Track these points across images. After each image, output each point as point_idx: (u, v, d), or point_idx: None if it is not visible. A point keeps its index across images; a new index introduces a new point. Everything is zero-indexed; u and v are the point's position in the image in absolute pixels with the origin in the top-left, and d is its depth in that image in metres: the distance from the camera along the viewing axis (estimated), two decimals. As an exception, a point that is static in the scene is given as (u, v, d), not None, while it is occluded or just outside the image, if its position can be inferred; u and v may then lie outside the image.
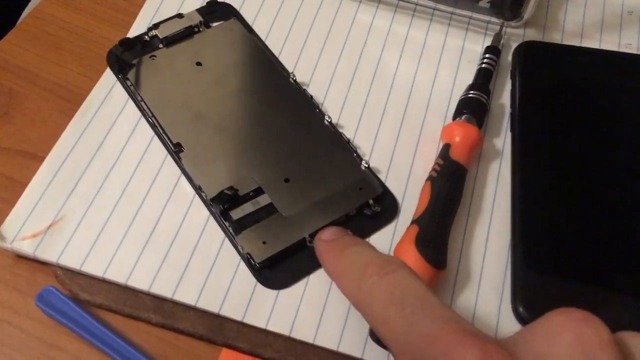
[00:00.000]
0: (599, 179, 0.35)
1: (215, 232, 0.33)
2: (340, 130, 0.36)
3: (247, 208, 0.33)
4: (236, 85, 0.37)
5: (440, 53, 0.40)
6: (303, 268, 0.32)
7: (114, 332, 0.30)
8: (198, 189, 0.33)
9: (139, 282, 0.31)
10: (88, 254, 0.31)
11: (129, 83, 0.37)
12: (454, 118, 0.36)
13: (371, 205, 0.33)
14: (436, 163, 0.34)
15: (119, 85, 0.38)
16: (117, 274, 0.31)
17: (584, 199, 0.34)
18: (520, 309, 0.30)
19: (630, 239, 0.33)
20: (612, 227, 0.33)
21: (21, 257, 0.32)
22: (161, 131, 0.35)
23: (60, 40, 0.40)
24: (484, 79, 0.37)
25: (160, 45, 0.39)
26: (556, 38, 0.40)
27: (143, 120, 0.36)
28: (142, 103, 0.36)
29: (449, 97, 0.38)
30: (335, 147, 0.35)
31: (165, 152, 0.35)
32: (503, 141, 0.37)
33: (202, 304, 0.30)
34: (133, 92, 0.37)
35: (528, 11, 0.39)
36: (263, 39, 0.40)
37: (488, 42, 0.40)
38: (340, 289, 0.26)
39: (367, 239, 0.33)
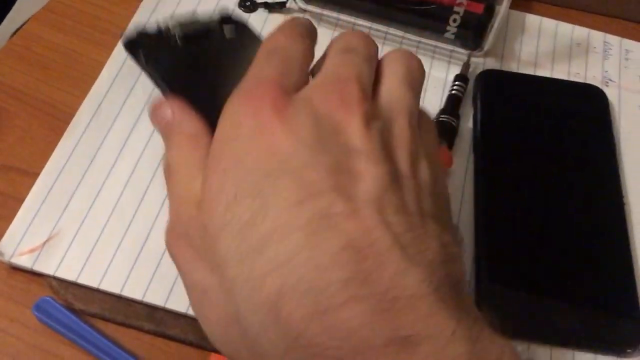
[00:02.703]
0: (551, 193, 0.38)
1: (203, 244, 0.35)
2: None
3: None
4: None
5: (408, 79, 0.43)
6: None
7: (109, 339, 0.32)
8: None
9: (133, 292, 0.33)
10: (83, 267, 0.33)
11: None
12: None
13: None
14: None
15: (107, 100, 0.39)
16: (111, 285, 0.33)
17: (540, 213, 0.37)
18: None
19: (583, 248, 0.36)
20: (568, 240, 0.36)
21: (16, 269, 0.34)
22: None
23: (47, 60, 0.42)
24: (453, 104, 0.41)
25: None
26: (513, 67, 0.44)
27: (133, 135, 0.38)
28: None
29: (417, 120, 0.41)
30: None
31: (155, 167, 0.37)
32: (466, 161, 0.40)
33: (192, 312, 0.32)
34: None
35: (488, 42, 0.43)
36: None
37: (452, 69, 0.43)
38: None
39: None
